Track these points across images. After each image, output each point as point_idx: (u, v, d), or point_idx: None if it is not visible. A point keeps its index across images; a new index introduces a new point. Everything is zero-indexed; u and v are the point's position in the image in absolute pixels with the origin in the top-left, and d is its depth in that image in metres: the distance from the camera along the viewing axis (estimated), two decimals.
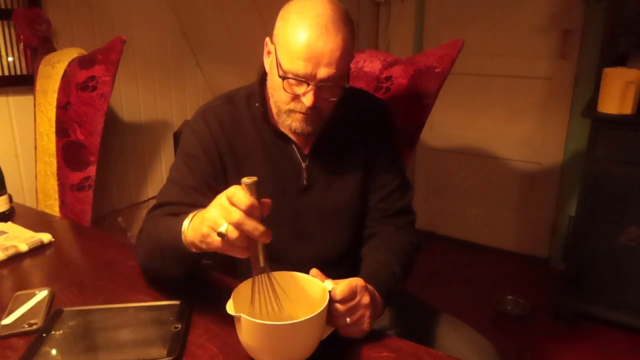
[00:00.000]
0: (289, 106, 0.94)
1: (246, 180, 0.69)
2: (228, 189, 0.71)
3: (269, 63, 0.97)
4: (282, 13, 0.92)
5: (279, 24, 0.92)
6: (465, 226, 3.10)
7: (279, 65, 0.91)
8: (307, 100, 0.90)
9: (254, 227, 0.68)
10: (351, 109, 1.07)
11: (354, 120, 1.08)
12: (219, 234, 0.69)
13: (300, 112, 0.94)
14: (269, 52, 0.97)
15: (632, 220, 2.01)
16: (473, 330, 1.06)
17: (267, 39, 0.97)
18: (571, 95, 2.58)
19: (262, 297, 0.77)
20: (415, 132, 1.43)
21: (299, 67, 0.88)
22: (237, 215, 0.68)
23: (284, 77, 0.90)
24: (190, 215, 0.80)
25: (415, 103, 1.40)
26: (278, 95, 0.95)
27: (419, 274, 2.70)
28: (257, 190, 0.69)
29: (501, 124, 2.85)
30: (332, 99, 0.94)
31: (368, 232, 1.11)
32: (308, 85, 0.89)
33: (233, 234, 0.68)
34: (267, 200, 0.71)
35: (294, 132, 0.99)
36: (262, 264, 0.73)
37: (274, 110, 1.00)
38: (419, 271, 2.73)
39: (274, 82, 0.95)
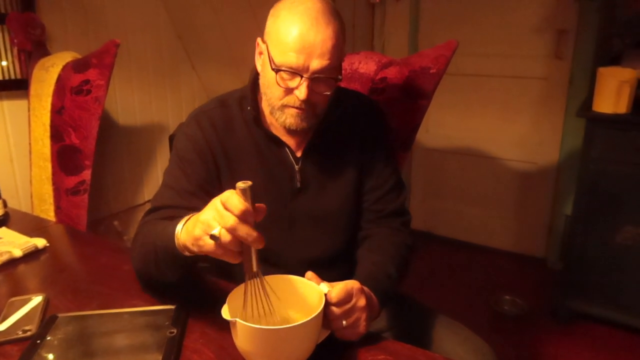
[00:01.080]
0: (282, 101, 0.94)
1: (240, 184, 0.69)
2: (223, 193, 0.71)
3: (261, 62, 0.98)
4: (273, 11, 0.94)
5: (269, 22, 0.94)
6: (462, 226, 3.11)
7: (271, 60, 0.91)
8: (301, 93, 0.91)
9: (247, 232, 0.68)
10: (344, 110, 1.07)
11: (347, 121, 1.08)
12: (212, 237, 0.69)
13: (294, 107, 0.94)
14: (260, 52, 0.98)
15: (628, 219, 2.01)
16: (470, 332, 1.06)
17: (259, 39, 0.98)
18: (566, 95, 2.59)
19: (255, 301, 0.77)
20: (410, 133, 1.43)
21: (292, 59, 0.89)
22: (230, 220, 0.67)
23: (277, 70, 0.91)
24: (184, 218, 0.80)
25: (410, 104, 1.40)
26: (271, 91, 0.95)
27: (416, 275, 2.70)
28: (251, 195, 0.69)
29: (497, 124, 2.86)
30: (326, 93, 0.94)
31: (363, 234, 1.11)
32: (301, 77, 0.90)
33: (226, 237, 0.68)
34: (262, 206, 0.71)
35: (288, 130, 0.99)
36: (254, 269, 0.73)
37: (268, 109, 1.00)
38: (415, 272, 2.73)
39: (266, 79, 0.96)
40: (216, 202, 0.71)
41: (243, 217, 0.68)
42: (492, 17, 2.71)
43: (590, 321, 2.23)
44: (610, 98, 1.96)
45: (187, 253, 0.79)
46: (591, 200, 2.08)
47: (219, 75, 2.62)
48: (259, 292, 0.76)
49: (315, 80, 0.91)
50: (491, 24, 2.72)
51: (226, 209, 0.68)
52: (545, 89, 2.66)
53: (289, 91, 0.93)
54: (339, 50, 0.92)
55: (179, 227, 0.80)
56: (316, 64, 0.89)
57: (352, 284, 0.83)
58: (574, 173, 2.49)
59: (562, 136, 2.66)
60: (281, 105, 0.95)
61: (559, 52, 2.56)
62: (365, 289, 0.87)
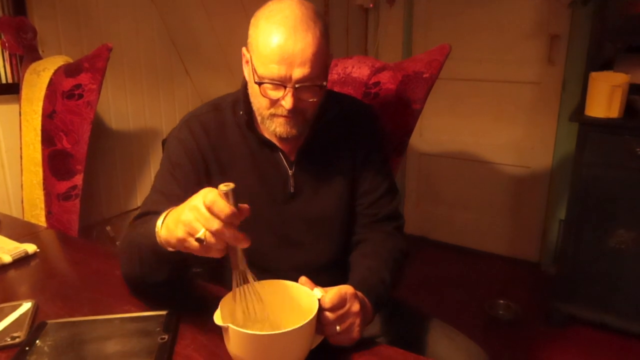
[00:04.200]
0: (269, 111, 0.94)
1: (222, 187, 0.68)
2: (204, 192, 0.70)
3: (247, 72, 0.97)
4: (253, 20, 0.93)
5: (250, 32, 0.93)
6: (456, 231, 3.11)
7: (254, 71, 0.91)
8: (287, 103, 0.90)
9: (233, 235, 0.68)
10: (337, 114, 1.07)
11: (340, 125, 1.07)
12: (197, 240, 0.69)
13: (282, 116, 0.94)
14: (246, 62, 0.97)
15: (621, 223, 2.02)
16: (464, 337, 1.05)
17: (244, 49, 0.97)
18: (559, 100, 2.60)
19: (244, 298, 0.77)
20: (404, 137, 1.43)
21: (273, 70, 0.88)
22: (215, 224, 0.67)
23: (259, 83, 0.90)
24: (163, 214, 0.79)
25: (403, 108, 1.40)
26: (258, 101, 0.95)
27: (410, 280, 2.69)
28: (234, 196, 0.69)
29: (490, 129, 2.87)
30: (312, 100, 0.93)
31: (356, 239, 1.10)
32: (285, 88, 0.89)
33: (211, 240, 0.68)
34: (245, 206, 0.71)
35: (280, 138, 0.99)
36: (241, 267, 0.74)
37: (258, 117, 0.99)
38: (409, 277, 2.73)
39: (253, 90, 0.95)
40: (197, 204, 0.70)
41: (229, 221, 0.68)
42: (485, 22, 2.73)
43: (584, 325, 2.23)
44: (603, 103, 1.98)
45: (169, 248, 0.78)
46: (584, 204, 2.09)
47: (212, 80, 2.61)
48: (247, 288, 0.76)
49: (299, 89, 0.90)
50: (484, 29, 2.74)
51: (211, 213, 0.68)
52: (538, 93, 2.67)
53: (275, 101, 0.92)
54: (322, 56, 0.90)
55: (158, 223, 0.79)
56: (298, 73, 0.88)
57: (345, 289, 0.82)
58: (567, 177, 2.50)
59: (555, 140, 2.67)
60: (269, 114, 0.95)
61: (552, 57, 2.57)
62: (359, 293, 0.86)
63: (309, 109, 0.95)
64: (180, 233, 0.71)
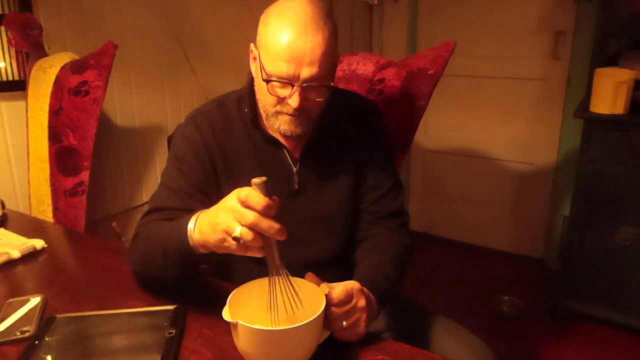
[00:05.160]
0: (275, 109, 0.94)
1: (256, 180, 0.70)
2: (236, 192, 0.71)
3: (254, 68, 0.97)
4: (263, 17, 0.93)
5: (260, 29, 0.93)
6: (460, 227, 3.11)
7: (262, 68, 0.91)
8: (293, 102, 0.90)
9: (270, 225, 0.70)
10: (342, 111, 1.07)
11: (345, 122, 1.07)
12: (234, 238, 0.70)
13: (287, 114, 0.94)
14: (254, 58, 0.97)
15: (626, 220, 2.02)
16: (469, 332, 1.06)
17: (252, 45, 0.97)
18: (564, 96, 2.60)
19: (282, 294, 0.77)
20: (408, 134, 1.43)
21: (282, 68, 0.88)
22: (251, 216, 0.69)
23: (267, 80, 0.90)
24: (194, 216, 0.81)
25: (408, 105, 1.40)
26: (264, 99, 0.95)
27: (415, 276, 2.70)
28: (266, 189, 0.70)
29: (495, 125, 2.86)
30: (319, 99, 0.94)
31: (361, 235, 1.11)
32: (292, 86, 0.89)
33: (248, 235, 0.69)
34: (276, 199, 0.72)
35: (284, 135, 0.99)
36: (277, 262, 0.74)
37: (263, 114, 0.99)
38: (414, 273, 2.73)
39: (260, 87, 0.95)
40: (231, 202, 0.71)
41: (265, 212, 0.69)
42: (490, 18, 2.72)
43: (589, 322, 2.23)
44: (608, 99, 1.97)
45: (202, 250, 0.80)
46: (589, 200, 2.09)
47: (217, 76, 2.62)
48: (285, 284, 0.77)
49: (306, 88, 0.90)
50: (489, 25, 2.73)
51: (247, 206, 0.69)
52: (543, 90, 2.66)
53: (281, 99, 0.92)
54: (330, 56, 0.90)
55: (190, 225, 0.80)
56: (306, 72, 0.88)
57: (352, 285, 0.83)
58: (572, 174, 2.50)
59: (559, 137, 2.66)
60: (275, 112, 0.95)
61: (557, 53, 2.57)
62: (364, 289, 0.87)
63: (314, 108, 0.96)
64: (218, 235, 0.73)
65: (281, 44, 0.87)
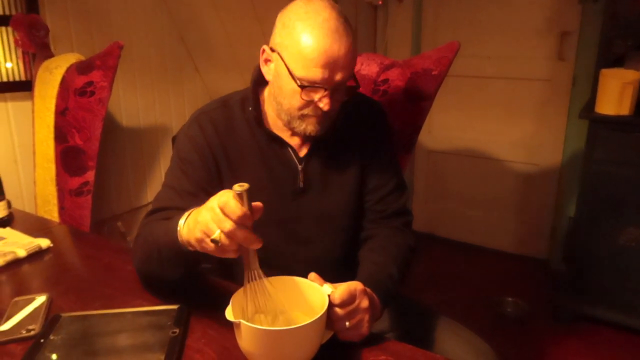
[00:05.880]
0: (302, 111, 0.95)
1: (237, 187, 0.69)
2: (220, 194, 0.72)
3: (271, 71, 0.97)
4: (284, 20, 0.92)
5: (282, 32, 0.92)
6: (464, 228, 3.10)
7: (292, 74, 0.90)
8: (325, 105, 0.92)
9: (245, 236, 0.70)
10: (348, 110, 1.07)
11: (350, 122, 1.08)
12: (212, 240, 0.70)
13: (314, 116, 0.95)
14: (267, 60, 0.97)
15: (631, 221, 2.01)
16: (472, 333, 1.06)
17: (266, 48, 0.96)
18: (569, 97, 2.58)
19: (255, 296, 0.78)
20: (412, 134, 1.43)
21: (316, 74, 0.89)
22: (228, 225, 0.69)
23: (303, 86, 0.90)
24: (186, 214, 0.81)
25: (412, 105, 1.40)
26: (289, 101, 0.95)
27: (418, 276, 2.70)
28: (248, 197, 0.70)
29: (499, 126, 2.86)
30: (343, 100, 0.96)
31: (365, 235, 1.11)
32: (324, 90, 0.90)
33: (225, 241, 0.70)
34: (259, 204, 0.72)
35: (294, 132, 1.00)
36: (252, 267, 0.75)
37: (284, 116, 0.99)
38: (417, 273, 2.73)
39: (283, 90, 0.95)
40: (213, 204, 0.72)
41: (241, 222, 0.69)
42: (494, 18, 2.71)
43: (593, 323, 2.22)
44: (613, 100, 1.96)
45: (190, 248, 0.80)
46: (594, 202, 2.08)
47: (222, 76, 2.62)
48: (257, 285, 0.77)
49: (335, 90, 0.92)
50: (494, 25, 2.72)
51: (224, 214, 0.69)
52: (548, 90, 2.66)
53: (310, 102, 0.93)
54: (356, 57, 0.93)
55: (181, 222, 0.81)
56: (340, 76, 0.90)
57: (355, 285, 0.83)
58: (577, 175, 2.49)
59: (564, 138, 2.65)
60: (301, 114, 0.95)
61: (562, 54, 2.56)
62: (368, 289, 0.87)
63: (336, 108, 0.97)
64: (197, 233, 0.74)
65: (316, 49, 0.87)
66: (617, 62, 2.11)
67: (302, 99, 0.92)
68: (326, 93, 0.91)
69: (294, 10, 0.91)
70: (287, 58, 0.91)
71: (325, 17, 0.88)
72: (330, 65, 0.88)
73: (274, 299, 0.80)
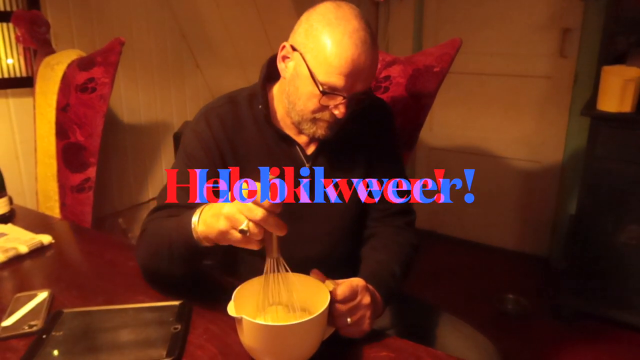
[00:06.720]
0: (316, 115, 0.95)
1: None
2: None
3: (288, 70, 0.96)
4: (312, 22, 0.91)
5: (307, 34, 0.91)
6: (465, 225, 3.10)
7: (315, 78, 0.90)
8: (340, 112, 0.92)
9: (276, 223, 0.71)
10: (353, 109, 1.07)
11: (356, 120, 1.07)
12: (240, 231, 0.71)
13: (326, 121, 0.95)
14: (284, 57, 0.96)
15: (632, 218, 2.01)
16: (473, 330, 1.06)
17: (287, 45, 0.95)
18: (571, 94, 2.58)
19: (275, 284, 0.78)
20: (414, 131, 1.43)
21: (340, 81, 0.88)
22: (260, 213, 0.70)
23: (323, 92, 0.90)
24: (198, 210, 0.81)
25: (414, 102, 1.40)
26: (304, 103, 0.94)
27: (419, 273, 2.70)
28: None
29: (501, 123, 2.85)
30: (357, 107, 0.96)
31: (368, 232, 1.11)
32: (344, 98, 0.90)
33: (254, 230, 0.71)
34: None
35: (314, 138, 1.00)
36: (275, 255, 0.76)
37: (295, 117, 0.98)
38: (419, 270, 2.73)
39: (299, 91, 0.94)
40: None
41: (272, 209, 0.70)
42: (496, 15, 2.71)
43: (594, 320, 2.23)
44: (615, 97, 1.96)
45: (205, 243, 0.81)
46: (595, 199, 2.08)
47: (223, 73, 2.62)
48: (279, 277, 0.78)
49: (352, 98, 0.92)
50: (496, 22, 2.72)
51: (256, 202, 0.70)
52: (550, 87, 2.65)
53: (325, 107, 0.93)
54: (377, 69, 0.94)
55: (194, 219, 0.81)
56: (361, 86, 0.91)
57: (357, 282, 0.83)
58: (578, 172, 2.49)
59: (566, 135, 2.65)
60: (313, 118, 0.95)
61: (564, 51, 2.55)
62: (370, 286, 0.87)
63: (347, 115, 0.96)
64: (222, 226, 0.74)
65: (344, 58, 0.87)
66: (619, 59, 2.11)
67: (319, 104, 0.92)
68: (344, 101, 0.91)
69: (323, 14, 0.90)
70: (311, 60, 0.90)
71: (356, 27, 0.88)
72: (355, 75, 0.88)
73: (292, 292, 0.80)
